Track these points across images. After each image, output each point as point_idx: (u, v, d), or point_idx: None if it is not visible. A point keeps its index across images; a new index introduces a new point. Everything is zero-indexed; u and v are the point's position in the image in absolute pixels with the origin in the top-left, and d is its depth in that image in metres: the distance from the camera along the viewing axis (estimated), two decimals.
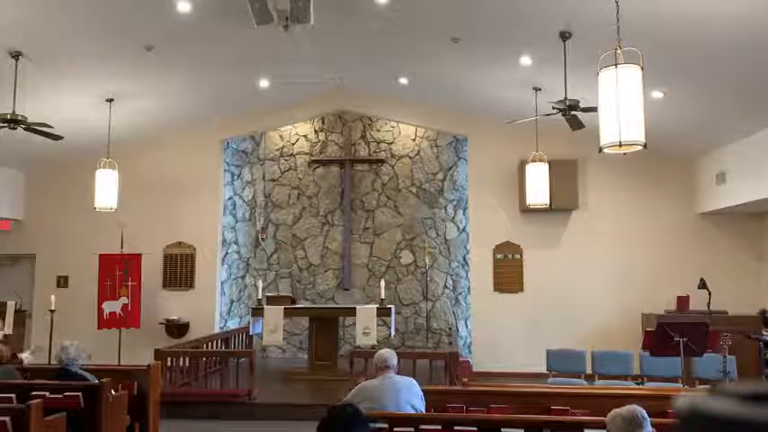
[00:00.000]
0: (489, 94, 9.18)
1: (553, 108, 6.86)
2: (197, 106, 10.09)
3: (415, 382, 4.26)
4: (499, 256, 10.51)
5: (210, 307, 11.07)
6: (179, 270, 11.06)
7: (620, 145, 4.19)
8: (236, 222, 11.86)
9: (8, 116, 6.89)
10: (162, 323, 10.75)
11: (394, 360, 4.21)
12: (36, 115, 7.30)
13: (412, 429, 3.83)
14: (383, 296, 9.39)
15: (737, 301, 9.39)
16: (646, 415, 2.85)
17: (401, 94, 10.32)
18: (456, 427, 3.84)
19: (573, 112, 6.83)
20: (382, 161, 11.59)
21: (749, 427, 0.48)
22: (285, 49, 7.97)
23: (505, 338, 10.17)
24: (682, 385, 6.40)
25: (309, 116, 11.59)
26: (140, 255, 10.29)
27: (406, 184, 11.52)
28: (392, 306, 9.49)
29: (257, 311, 9.34)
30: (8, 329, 8.36)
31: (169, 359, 7.85)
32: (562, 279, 10.19)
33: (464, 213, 11.22)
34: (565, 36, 6.56)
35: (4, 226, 11.10)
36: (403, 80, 9.54)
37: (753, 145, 8.22)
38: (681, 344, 6.12)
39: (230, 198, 11.85)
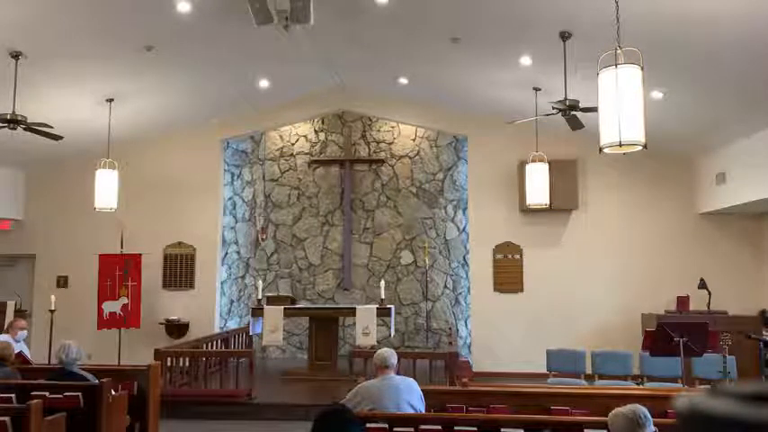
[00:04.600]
0: (489, 95, 9.18)
1: (553, 108, 6.86)
2: (197, 106, 10.09)
3: (414, 382, 4.26)
4: (499, 256, 10.50)
5: (210, 307, 11.07)
6: (179, 270, 11.06)
7: (621, 145, 4.19)
8: (236, 222, 11.86)
9: (8, 116, 6.89)
10: (162, 323, 10.75)
11: (394, 360, 4.21)
12: (36, 115, 7.31)
13: (412, 429, 3.83)
14: (383, 296, 9.39)
15: (737, 301, 9.39)
16: (648, 414, 2.82)
17: (401, 94, 10.32)
18: (456, 427, 3.83)
19: (573, 112, 6.82)
20: (382, 161, 11.59)
21: (749, 427, 0.48)
22: (285, 49, 7.97)
23: (505, 338, 10.17)
24: (682, 385, 6.39)
25: (309, 116, 11.59)
26: (140, 255, 10.29)
27: (406, 184, 11.52)
28: (392, 306, 9.49)
29: (257, 311, 9.34)
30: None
31: (169, 359, 7.85)
32: (562, 279, 10.19)
33: (464, 213, 11.22)
34: (565, 36, 6.56)
35: (4, 226, 11.11)
36: (403, 80, 9.55)
37: (753, 145, 8.22)
38: (681, 344, 6.12)
39: (230, 198, 11.85)
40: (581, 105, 6.66)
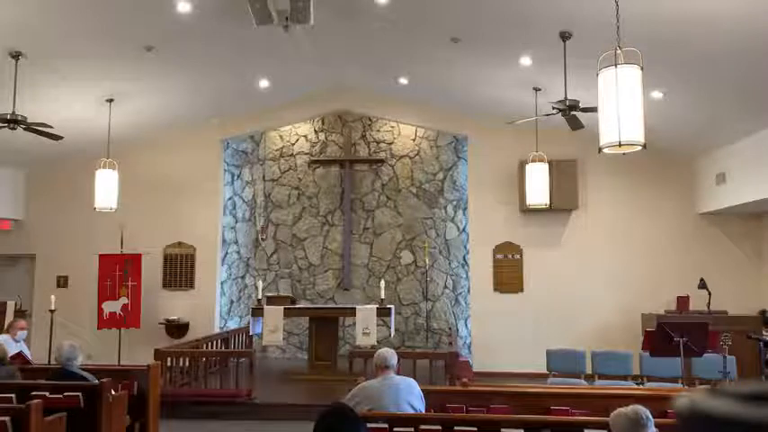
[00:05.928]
0: (489, 94, 9.18)
1: (553, 108, 6.86)
2: (197, 106, 10.09)
3: (414, 382, 4.26)
4: (499, 256, 10.50)
5: (210, 307, 11.07)
6: (179, 270, 11.06)
7: (620, 145, 4.20)
8: (236, 222, 11.85)
9: (8, 116, 6.89)
10: (162, 323, 10.75)
11: (394, 360, 4.21)
12: (36, 115, 7.31)
13: (412, 429, 3.82)
14: (383, 296, 9.39)
15: (737, 301, 9.39)
16: (650, 415, 2.83)
17: (401, 94, 10.32)
18: (456, 427, 3.83)
19: (573, 112, 6.82)
20: (382, 161, 11.59)
21: (749, 427, 0.48)
22: (285, 49, 7.97)
23: (505, 338, 10.16)
24: (682, 385, 6.39)
25: (309, 116, 11.59)
26: (140, 255, 10.29)
27: (406, 184, 11.52)
28: (392, 306, 9.49)
29: (257, 311, 9.34)
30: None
31: (169, 359, 7.85)
32: (562, 279, 10.19)
33: (464, 213, 11.22)
34: (565, 36, 6.56)
35: (4, 226, 11.10)
36: (403, 80, 9.55)
37: (753, 145, 8.22)
38: (681, 344, 6.12)
39: (230, 198, 11.85)
40: (581, 105, 6.66)
